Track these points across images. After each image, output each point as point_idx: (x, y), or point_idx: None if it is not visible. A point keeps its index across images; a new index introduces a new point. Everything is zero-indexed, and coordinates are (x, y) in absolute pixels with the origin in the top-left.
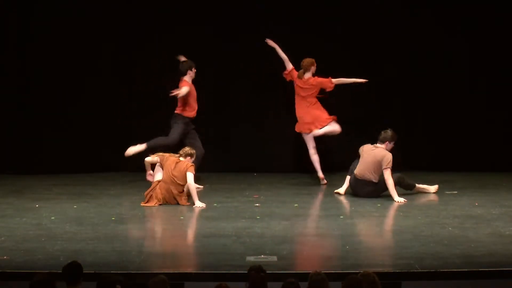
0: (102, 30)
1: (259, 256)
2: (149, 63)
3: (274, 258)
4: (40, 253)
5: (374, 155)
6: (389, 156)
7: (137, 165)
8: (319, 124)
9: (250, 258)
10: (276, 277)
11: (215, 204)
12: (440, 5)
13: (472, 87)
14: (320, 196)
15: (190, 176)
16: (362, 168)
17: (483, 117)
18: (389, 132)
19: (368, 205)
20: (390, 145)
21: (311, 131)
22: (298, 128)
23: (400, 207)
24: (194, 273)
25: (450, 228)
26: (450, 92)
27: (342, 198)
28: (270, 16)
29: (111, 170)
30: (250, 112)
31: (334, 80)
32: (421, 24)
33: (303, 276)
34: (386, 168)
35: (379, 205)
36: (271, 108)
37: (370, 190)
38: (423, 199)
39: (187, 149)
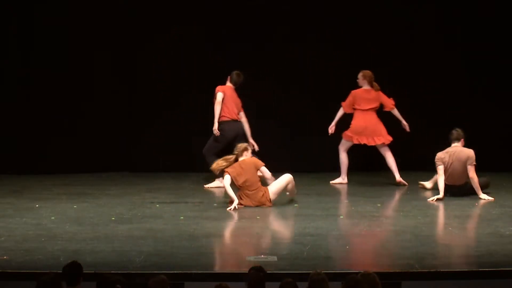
0: (103, 31)
1: (259, 256)
2: (151, 65)
3: (274, 258)
4: (40, 253)
5: (459, 158)
6: (472, 153)
7: (137, 165)
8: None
9: (250, 258)
10: (276, 277)
11: (215, 204)
12: (441, 8)
13: (472, 88)
14: (320, 196)
15: (265, 169)
16: (453, 176)
17: (483, 117)
18: (459, 130)
19: (368, 205)
20: (463, 143)
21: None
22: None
23: (400, 207)
24: (194, 273)
25: (450, 228)
26: (450, 92)
27: (342, 198)
28: (272, 17)
29: (111, 170)
30: (250, 112)
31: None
32: (420, 26)
33: (303, 276)
34: (472, 165)
35: (379, 205)
36: (271, 108)
37: (454, 191)
38: (423, 199)
39: (240, 145)
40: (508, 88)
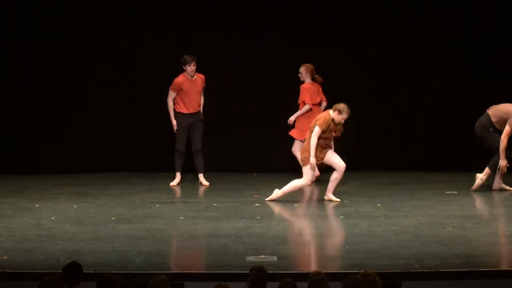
0: (103, 31)
1: (259, 256)
2: (150, 65)
3: (274, 258)
4: (40, 253)
5: (506, 107)
6: None
7: (137, 165)
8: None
9: (250, 258)
10: (276, 277)
11: (215, 204)
12: (441, 7)
13: (472, 87)
14: (320, 196)
15: (315, 130)
16: (495, 108)
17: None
18: None
19: (368, 205)
20: None
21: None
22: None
23: (400, 207)
24: (194, 273)
25: (450, 228)
26: (450, 92)
27: (342, 198)
28: (272, 17)
29: (111, 170)
30: (251, 113)
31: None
32: (420, 26)
33: (303, 276)
34: (509, 125)
35: (379, 205)
36: (271, 108)
37: (484, 135)
38: (423, 199)
39: (340, 104)
40: (508, 88)
